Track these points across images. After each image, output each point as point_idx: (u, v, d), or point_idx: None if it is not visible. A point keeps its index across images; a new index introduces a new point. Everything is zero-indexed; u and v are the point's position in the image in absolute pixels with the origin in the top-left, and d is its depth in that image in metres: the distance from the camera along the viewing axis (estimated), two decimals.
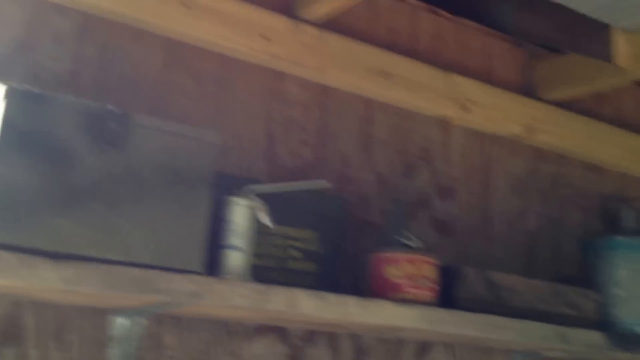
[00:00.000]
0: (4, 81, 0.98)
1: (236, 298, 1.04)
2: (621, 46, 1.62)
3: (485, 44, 1.80)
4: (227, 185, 1.17)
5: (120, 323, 1.15)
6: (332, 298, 1.14)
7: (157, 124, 1.07)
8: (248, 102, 1.42)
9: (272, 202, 1.19)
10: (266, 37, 1.42)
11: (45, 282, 0.92)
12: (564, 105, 1.85)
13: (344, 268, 1.42)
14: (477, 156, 1.73)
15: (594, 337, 1.48)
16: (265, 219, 1.16)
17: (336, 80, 1.52)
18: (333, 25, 1.51)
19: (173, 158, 1.06)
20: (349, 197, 1.49)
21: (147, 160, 1.04)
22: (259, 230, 1.19)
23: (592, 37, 1.62)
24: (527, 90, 1.82)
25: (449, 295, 1.36)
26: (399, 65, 1.60)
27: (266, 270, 1.23)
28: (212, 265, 1.11)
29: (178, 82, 1.34)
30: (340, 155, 1.52)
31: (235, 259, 1.11)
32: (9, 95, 0.95)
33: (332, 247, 1.32)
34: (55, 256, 0.93)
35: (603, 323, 1.57)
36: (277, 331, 1.34)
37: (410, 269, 1.30)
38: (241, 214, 1.13)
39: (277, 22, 1.44)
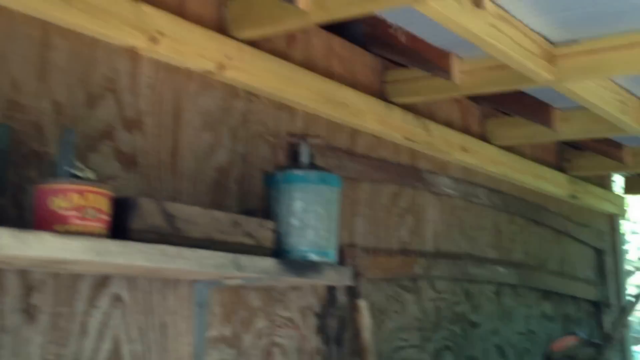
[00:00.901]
0: None
1: None
2: None
3: None
4: None
5: None
6: None
7: None
8: None
9: None
10: None
11: None
12: (257, 44, 1.91)
13: (9, 200, 1.33)
14: (167, 90, 1.72)
15: (268, 263, 1.59)
16: None
17: None
18: None
19: None
20: (19, 126, 1.38)
21: None
22: None
23: None
24: (221, 27, 1.84)
25: (123, 227, 1.35)
26: None
27: None
28: None
29: None
30: (10, 81, 1.40)
31: None
32: None
33: None
34: None
35: (280, 251, 1.69)
36: None
37: (78, 200, 1.25)
38: None
39: None
